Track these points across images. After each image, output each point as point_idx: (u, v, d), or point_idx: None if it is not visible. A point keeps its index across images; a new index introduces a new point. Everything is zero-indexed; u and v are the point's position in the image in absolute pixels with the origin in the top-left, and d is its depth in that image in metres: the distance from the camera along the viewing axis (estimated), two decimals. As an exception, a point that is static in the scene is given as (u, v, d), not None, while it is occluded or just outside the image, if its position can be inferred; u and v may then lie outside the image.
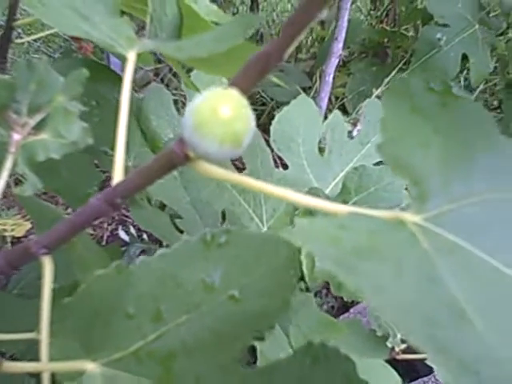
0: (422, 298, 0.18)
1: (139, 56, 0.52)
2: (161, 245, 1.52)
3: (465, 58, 1.31)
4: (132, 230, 1.63)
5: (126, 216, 1.80)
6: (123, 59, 0.58)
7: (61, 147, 0.29)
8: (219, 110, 0.21)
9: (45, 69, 0.30)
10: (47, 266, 0.31)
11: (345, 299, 1.48)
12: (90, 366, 0.25)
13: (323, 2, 0.22)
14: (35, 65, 0.30)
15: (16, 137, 0.29)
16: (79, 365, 0.25)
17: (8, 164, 0.29)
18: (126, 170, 0.80)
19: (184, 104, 0.87)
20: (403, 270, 0.19)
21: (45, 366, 0.26)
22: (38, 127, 0.30)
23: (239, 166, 0.67)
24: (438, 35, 1.28)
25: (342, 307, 1.43)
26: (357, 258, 0.19)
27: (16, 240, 1.15)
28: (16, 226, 1.07)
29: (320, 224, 0.20)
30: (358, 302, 1.45)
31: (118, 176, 0.31)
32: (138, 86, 1.71)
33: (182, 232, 0.78)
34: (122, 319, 0.25)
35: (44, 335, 0.29)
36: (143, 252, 1.46)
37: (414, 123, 0.26)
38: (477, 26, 1.31)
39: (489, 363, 0.16)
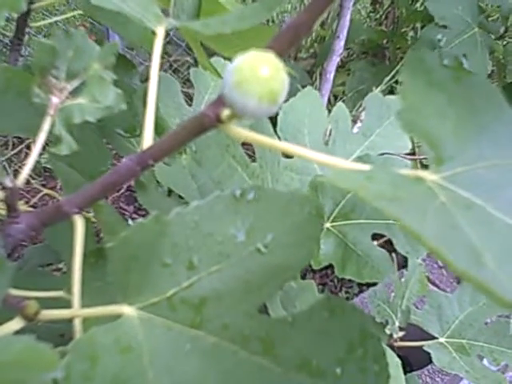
0: (445, 239, 0.20)
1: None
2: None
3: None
4: (130, 223, 1.64)
5: (124, 209, 1.82)
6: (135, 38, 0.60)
7: (96, 111, 0.31)
8: (259, 70, 0.23)
9: (81, 37, 0.32)
10: (79, 223, 0.32)
11: (340, 295, 1.50)
12: (127, 310, 0.26)
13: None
14: (73, 33, 0.32)
15: (55, 100, 0.31)
16: (116, 308, 0.26)
17: (46, 126, 0.31)
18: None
19: (187, 96, 0.89)
20: (427, 215, 0.21)
21: (81, 311, 0.28)
22: (75, 92, 0.32)
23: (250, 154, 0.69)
24: (439, 36, 1.31)
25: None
26: (383, 201, 0.21)
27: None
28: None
29: (350, 174, 0.23)
30: (352, 298, 1.47)
31: (147, 140, 0.32)
32: (141, 79, 1.73)
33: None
34: (157, 266, 0.26)
35: (76, 288, 0.31)
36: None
37: (430, 95, 0.28)
38: (476, 29, 1.34)
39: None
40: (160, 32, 0.36)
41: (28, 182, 1.71)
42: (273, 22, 2.35)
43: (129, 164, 0.31)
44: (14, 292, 0.32)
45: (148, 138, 0.32)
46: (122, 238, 0.26)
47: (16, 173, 1.73)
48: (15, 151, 1.76)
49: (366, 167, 0.25)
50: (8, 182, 0.31)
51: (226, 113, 0.27)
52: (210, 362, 0.26)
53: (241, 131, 0.28)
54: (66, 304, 0.38)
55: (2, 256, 0.23)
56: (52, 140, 0.32)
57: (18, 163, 1.75)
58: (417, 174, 0.25)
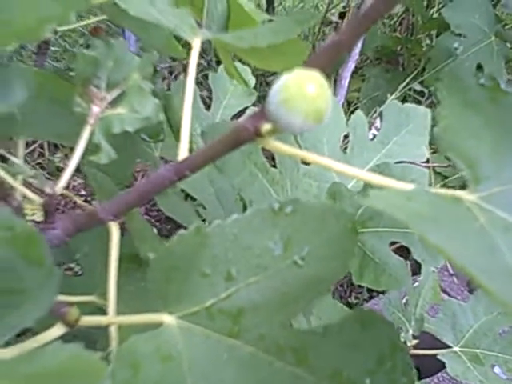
0: (487, 267, 0.21)
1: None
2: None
3: (479, 68, 1.34)
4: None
5: (135, 209, 1.82)
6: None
7: (135, 121, 0.32)
8: (305, 88, 0.24)
9: (121, 48, 0.33)
10: (114, 231, 0.33)
11: (350, 300, 1.50)
12: (167, 319, 0.27)
13: (398, -3, 0.25)
14: (113, 44, 0.33)
15: (95, 109, 0.32)
16: (156, 317, 0.27)
17: (85, 134, 0.32)
18: (153, 159, 0.82)
19: (203, 102, 0.90)
20: (467, 239, 0.22)
21: (119, 318, 0.29)
22: (115, 102, 0.32)
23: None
24: (455, 44, 1.31)
25: (347, 307, 1.45)
26: (422, 222, 0.22)
27: (36, 225, 1.17)
28: (37, 210, 1.09)
29: (390, 195, 0.23)
30: (362, 304, 1.47)
31: (183, 152, 0.33)
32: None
33: (204, 221, 0.81)
34: (197, 277, 0.27)
35: (111, 292, 0.31)
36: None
37: (466, 115, 0.29)
38: (493, 38, 1.34)
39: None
40: (196, 44, 0.37)
41: (41, 181, 1.71)
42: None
43: (166, 174, 0.32)
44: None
45: (184, 149, 0.33)
46: (165, 249, 0.26)
47: (29, 171, 1.74)
48: (28, 150, 1.77)
49: (405, 186, 0.25)
50: (48, 189, 0.31)
51: (266, 127, 0.28)
52: (246, 371, 0.27)
53: (281, 145, 0.29)
54: (95, 309, 0.39)
55: (51, 262, 0.24)
56: (91, 148, 0.33)
57: (31, 162, 1.76)
58: (455, 195, 0.25)
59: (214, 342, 0.27)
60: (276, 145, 0.29)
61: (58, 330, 0.27)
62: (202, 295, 0.27)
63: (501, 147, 0.28)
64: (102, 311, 0.37)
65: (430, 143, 0.85)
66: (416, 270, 1.12)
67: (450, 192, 0.25)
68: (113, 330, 0.30)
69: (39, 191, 0.33)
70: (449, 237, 0.22)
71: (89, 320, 0.29)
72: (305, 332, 0.28)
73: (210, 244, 0.27)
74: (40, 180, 0.30)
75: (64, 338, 0.26)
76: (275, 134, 0.28)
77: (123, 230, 0.45)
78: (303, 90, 0.24)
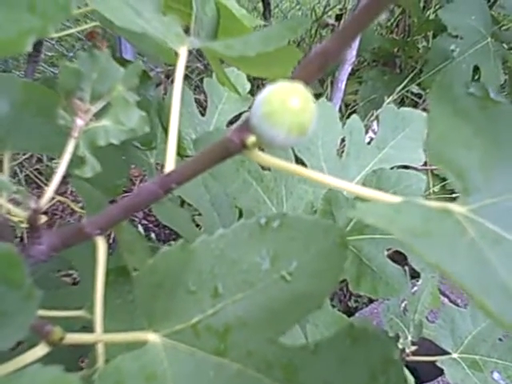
0: (477, 280, 0.20)
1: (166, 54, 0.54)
2: (168, 244, 1.54)
3: (476, 69, 1.33)
4: (140, 229, 1.65)
5: (134, 215, 1.82)
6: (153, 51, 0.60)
7: (120, 133, 0.31)
8: (288, 101, 0.23)
9: (106, 59, 0.32)
10: (101, 245, 0.33)
11: (349, 304, 1.49)
12: (152, 337, 0.26)
13: (385, 4, 0.24)
14: (97, 55, 0.32)
15: (79, 122, 0.31)
16: (141, 335, 0.26)
17: (70, 147, 0.31)
18: (149, 166, 0.81)
19: (197, 103, 0.89)
20: (457, 253, 0.21)
21: (105, 336, 0.28)
22: (100, 114, 0.32)
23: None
24: (452, 46, 1.30)
25: (347, 311, 1.45)
26: (413, 237, 0.21)
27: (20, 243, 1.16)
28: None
29: (378, 207, 0.22)
30: (361, 308, 1.46)
31: (169, 165, 0.32)
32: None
33: (200, 228, 0.80)
34: (183, 294, 0.26)
35: (98, 310, 0.31)
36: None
37: (456, 125, 0.28)
38: (489, 39, 1.33)
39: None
40: (183, 52, 0.36)
41: (39, 187, 1.71)
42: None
43: (152, 188, 0.31)
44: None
45: (170, 162, 0.32)
46: (148, 266, 0.26)
47: (27, 178, 1.74)
48: (27, 156, 1.77)
49: (394, 199, 0.25)
50: (32, 203, 0.31)
51: (251, 139, 0.27)
52: (233, 389, 0.26)
53: (266, 157, 0.28)
54: (85, 322, 0.38)
55: (30, 284, 0.23)
56: (75, 161, 0.32)
57: (29, 168, 1.76)
58: (445, 207, 0.25)
59: (199, 359, 0.26)
60: (264, 157, 0.28)
61: (41, 350, 0.27)
62: (187, 312, 0.26)
63: (491, 157, 0.27)
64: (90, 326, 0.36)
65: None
66: (414, 273, 1.11)
67: (440, 204, 0.25)
68: (100, 348, 0.30)
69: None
70: (441, 251, 0.21)
71: (74, 338, 0.29)
72: (294, 348, 0.28)
73: (195, 260, 0.27)
74: (23, 196, 0.29)
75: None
76: (261, 147, 0.28)
77: (115, 241, 0.44)
78: (286, 103, 0.23)
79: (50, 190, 0.31)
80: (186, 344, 0.26)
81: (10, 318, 0.23)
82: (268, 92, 0.24)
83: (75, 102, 0.31)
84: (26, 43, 0.27)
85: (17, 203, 0.33)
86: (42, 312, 0.34)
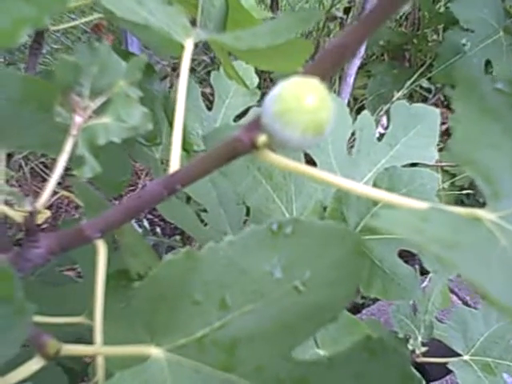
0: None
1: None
2: (173, 239, 1.53)
3: (488, 63, 1.31)
4: (145, 223, 1.64)
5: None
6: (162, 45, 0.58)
7: (122, 131, 0.29)
8: (304, 99, 0.21)
9: (107, 52, 0.30)
10: (101, 249, 0.31)
11: (356, 301, 1.48)
12: (154, 351, 0.24)
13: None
14: (97, 48, 0.30)
15: (78, 119, 0.29)
16: (143, 349, 0.24)
17: (68, 147, 0.29)
18: (154, 162, 0.79)
19: (203, 96, 0.87)
20: (491, 265, 0.19)
21: (105, 349, 0.26)
22: (100, 111, 0.30)
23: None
24: (463, 40, 1.28)
25: (354, 308, 1.43)
26: (441, 247, 0.19)
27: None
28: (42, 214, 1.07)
29: (404, 215, 0.21)
30: (368, 305, 1.45)
31: (174, 164, 0.31)
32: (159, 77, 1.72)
33: (206, 225, 0.78)
34: (187, 305, 0.25)
35: (98, 319, 0.29)
36: (155, 246, 1.46)
37: (483, 123, 0.26)
38: (501, 33, 1.30)
39: None
40: (188, 45, 0.34)
41: (44, 180, 1.70)
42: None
43: (156, 188, 0.29)
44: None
45: (175, 162, 0.30)
46: (150, 277, 0.24)
47: (32, 171, 1.72)
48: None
49: (419, 205, 0.23)
50: (28, 205, 0.29)
51: (262, 139, 0.25)
52: (241, 407, 0.24)
53: (277, 158, 0.26)
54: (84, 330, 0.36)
55: (22, 298, 0.21)
56: (74, 161, 0.30)
57: (34, 161, 1.75)
58: (474, 214, 0.23)
59: (205, 376, 0.25)
60: (275, 158, 0.26)
61: (36, 363, 0.25)
62: (192, 325, 0.25)
63: (522, 159, 0.25)
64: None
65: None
66: (424, 269, 1.09)
67: (468, 211, 0.23)
68: (100, 360, 0.28)
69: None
70: (473, 264, 0.19)
71: (72, 350, 0.27)
72: (307, 363, 0.26)
73: (201, 269, 0.25)
74: (18, 198, 0.27)
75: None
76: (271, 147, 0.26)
77: (116, 243, 0.43)
78: (301, 101, 0.21)
79: (46, 193, 0.29)
80: (191, 359, 0.25)
81: (0, 335, 0.21)
82: (281, 88, 0.22)
83: (73, 98, 0.29)
84: (20, 34, 0.25)
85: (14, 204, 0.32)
86: (39, 318, 0.32)
